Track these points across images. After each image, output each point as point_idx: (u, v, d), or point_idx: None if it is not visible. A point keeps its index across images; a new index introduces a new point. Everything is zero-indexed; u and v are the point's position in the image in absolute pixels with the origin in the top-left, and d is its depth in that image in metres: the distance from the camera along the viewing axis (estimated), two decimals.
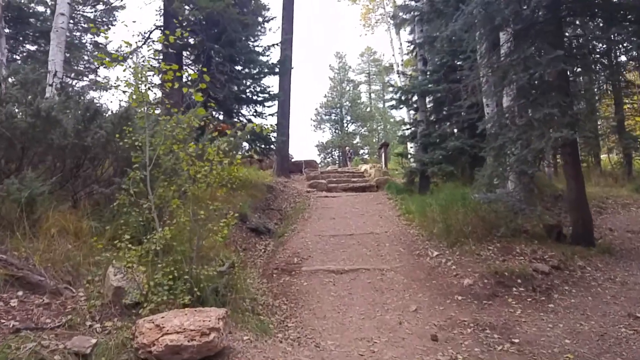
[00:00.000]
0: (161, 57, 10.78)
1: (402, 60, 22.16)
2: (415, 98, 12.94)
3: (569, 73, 6.94)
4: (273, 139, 12.29)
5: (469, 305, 4.97)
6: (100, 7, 13.74)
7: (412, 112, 21.82)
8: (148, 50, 12.01)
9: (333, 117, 43.33)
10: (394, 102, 13.15)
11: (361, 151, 41.12)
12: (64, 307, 3.48)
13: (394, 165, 22.90)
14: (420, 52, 12.67)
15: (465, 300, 5.07)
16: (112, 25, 14.22)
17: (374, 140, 42.38)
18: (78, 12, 12.86)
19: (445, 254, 6.31)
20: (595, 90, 11.88)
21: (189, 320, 3.09)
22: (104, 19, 13.59)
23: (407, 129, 17.85)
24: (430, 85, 11.82)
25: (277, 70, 12.24)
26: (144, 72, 4.40)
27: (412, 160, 20.16)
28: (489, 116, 8.39)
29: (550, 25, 6.73)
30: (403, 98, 12.65)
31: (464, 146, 10.96)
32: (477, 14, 7.47)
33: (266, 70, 12.09)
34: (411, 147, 20.70)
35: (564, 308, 4.83)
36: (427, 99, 12.68)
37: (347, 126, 43.13)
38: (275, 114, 13.55)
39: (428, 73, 12.33)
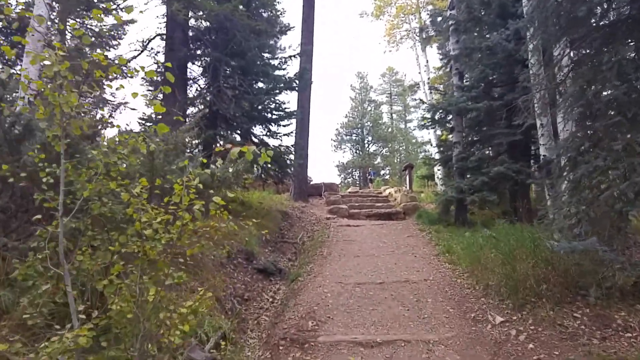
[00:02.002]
0: (162, 69, 9.48)
1: (428, 79, 20.57)
2: (449, 117, 11.30)
3: None
4: (289, 162, 10.77)
5: None
6: (109, 20, 12.71)
7: (438, 132, 20.15)
8: (148, 58, 10.82)
9: (354, 138, 41.85)
10: (425, 122, 11.46)
11: (382, 172, 39.38)
12: None
13: (417, 186, 21.10)
14: (455, 66, 11.06)
15: None
16: (121, 39, 13.16)
17: (396, 161, 40.68)
18: (85, 25, 11.77)
19: (514, 322, 4.55)
20: None
21: None
22: (113, 33, 12.50)
23: (438, 152, 16.22)
24: (468, 103, 10.15)
25: (294, 85, 10.82)
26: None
27: (441, 185, 18.44)
28: (563, 138, 6.63)
29: None
30: (437, 117, 10.98)
31: (508, 172, 9.19)
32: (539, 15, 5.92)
33: (282, 85, 10.66)
34: (438, 170, 18.95)
35: None
36: (464, 118, 11.00)
37: (368, 146, 41.57)
38: (292, 134, 12.04)
39: (465, 89, 10.67)
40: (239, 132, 10.82)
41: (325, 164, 66.00)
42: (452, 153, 11.15)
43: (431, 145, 22.38)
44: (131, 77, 11.39)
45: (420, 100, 15.99)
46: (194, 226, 3.09)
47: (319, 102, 65.05)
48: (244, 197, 11.18)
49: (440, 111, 10.75)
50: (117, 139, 2.81)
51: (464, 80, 10.99)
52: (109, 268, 2.71)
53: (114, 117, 13.57)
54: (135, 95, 3.06)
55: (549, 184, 7.62)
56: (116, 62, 3.10)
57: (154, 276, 2.85)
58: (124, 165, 2.93)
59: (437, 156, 18.89)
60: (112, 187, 2.80)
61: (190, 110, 10.99)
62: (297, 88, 11.35)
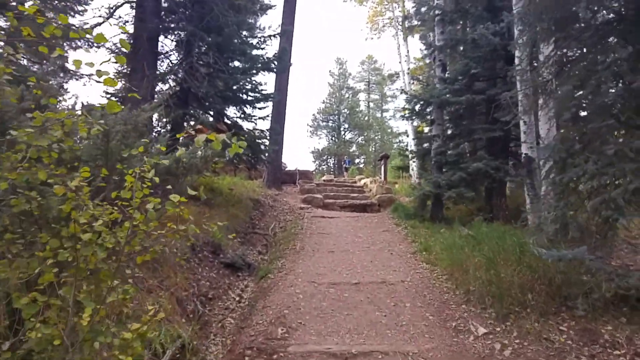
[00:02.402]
0: (131, 40, 8.67)
1: (408, 69, 20.24)
2: (429, 108, 10.99)
3: None
4: (264, 147, 10.21)
5: None
6: None
7: (416, 124, 19.93)
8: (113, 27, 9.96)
9: (330, 124, 41.42)
10: (405, 112, 11.11)
11: (357, 160, 39.19)
12: None
13: (391, 177, 20.91)
14: (439, 57, 10.70)
15: None
16: (88, 4, 12.08)
17: (371, 150, 40.56)
18: None
19: (498, 333, 4.27)
20: None
21: None
22: None
23: (415, 144, 16.04)
24: (450, 96, 9.83)
25: (273, 66, 10.20)
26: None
27: (417, 178, 18.27)
28: (554, 138, 6.37)
29: None
30: (417, 108, 10.64)
31: (487, 168, 8.98)
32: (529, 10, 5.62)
33: (259, 66, 10.02)
34: (414, 162, 18.76)
35: None
36: (444, 111, 10.71)
37: (344, 134, 41.25)
38: (268, 118, 11.41)
39: (447, 81, 10.34)
40: (211, 112, 10.15)
41: (300, 150, 65.21)
42: (430, 146, 10.89)
43: (407, 136, 22.20)
44: (97, 46, 10.48)
45: (402, 90, 15.65)
46: (147, 228, 2.59)
47: (297, 86, 64.06)
48: (213, 183, 10.58)
49: (421, 102, 10.41)
50: (47, 118, 2.24)
51: (447, 73, 10.67)
52: (36, 280, 2.19)
53: (66, 90, 12.47)
54: (91, 65, 2.50)
55: (529, 184, 7.44)
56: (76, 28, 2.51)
57: (93, 290, 2.34)
58: (57, 151, 2.36)
59: (413, 148, 18.78)
60: (42, 178, 2.25)
61: (161, 87, 10.24)
62: (275, 69, 10.73)
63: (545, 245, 4.77)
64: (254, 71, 10.14)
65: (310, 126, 41.30)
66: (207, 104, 9.76)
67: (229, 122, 9.80)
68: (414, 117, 11.49)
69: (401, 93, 14.52)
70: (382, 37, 23.37)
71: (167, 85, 10.23)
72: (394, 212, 11.22)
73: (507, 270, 4.79)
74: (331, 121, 41.45)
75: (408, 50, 20.58)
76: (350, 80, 43.28)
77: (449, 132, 10.83)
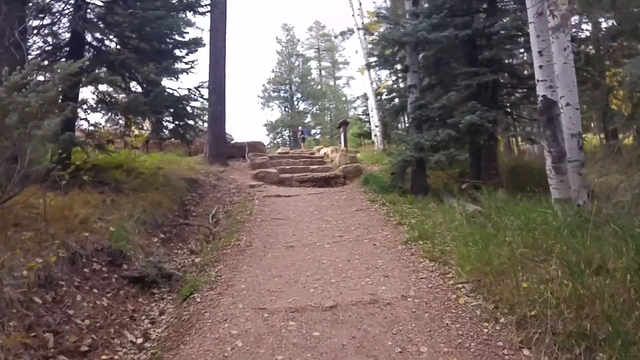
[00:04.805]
0: None
1: (362, 23, 17.76)
2: (399, 55, 8.69)
3: None
4: (194, 111, 7.50)
5: None
6: None
7: (375, 86, 17.72)
8: None
9: (282, 95, 38.49)
10: (374, 61, 8.74)
11: (313, 131, 36.72)
12: None
13: (352, 146, 18.71)
14: None
15: None
16: None
17: (327, 119, 38.22)
18: None
19: None
20: None
21: None
22: None
23: (376, 102, 13.90)
24: (425, 32, 7.51)
25: (202, 3, 7.39)
26: None
27: (379, 144, 16.16)
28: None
29: None
30: (388, 52, 8.28)
31: (483, 122, 6.91)
32: None
33: (184, 3, 7.21)
34: (377, 127, 16.65)
35: None
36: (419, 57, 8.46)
37: (297, 104, 38.52)
38: (195, 71, 8.46)
39: (421, 16, 8.02)
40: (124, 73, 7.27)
41: (252, 124, 61.21)
42: (403, 101, 8.67)
43: (366, 99, 19.99)
44: None
45: (365, 29, 13.10)
46: None
47: (242, 59, 59.64)
48: (133, 162, 7.86)
49: (392, 44, 8.03)
50: None
51: (418, 6, 8.34)
52: None
53: None
54: None
55: (550, 136, 5.41)
56: None
57: None
58: None
59: (375, 110, 16.60)
60: None
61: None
62: (210, 6, 7.80)
63: None
64: (175, 11, 7.28)
65: (261, 97, 38.24)
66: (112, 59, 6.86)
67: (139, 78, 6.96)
68: (382, 66, 9.16)
69: (368, 34, 12.02)
70: None
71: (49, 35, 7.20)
72: (364, 184, 9.01)
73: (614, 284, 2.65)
74: (283, 91, 38.57)
75: (360, 3, 18.06)
76: (299, 47, 40.25)
77: (426, 81, 8.62)
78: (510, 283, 3.14)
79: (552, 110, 5.35)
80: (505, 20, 6.75)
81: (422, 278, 3.91)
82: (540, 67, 5.41)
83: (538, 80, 5.46)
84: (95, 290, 3.87)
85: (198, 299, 3.93)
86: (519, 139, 14.26)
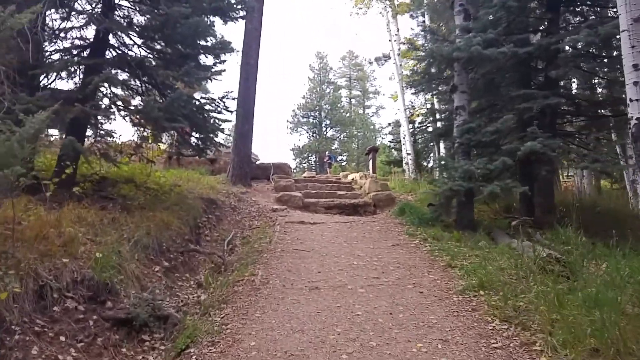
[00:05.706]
0: None
1: (399, 49, 17.06)
2: (444, 75, 7.76)
3: None
4: (217, 124, 6.70)
5: None
6: None
7: (408, 113, 16.82)
8: None
9: (311, 120, 38.12)
10: (416, 78, 7.84)
11: (339, 158, 35.94)
12: None
13: (380, 174, 17.70)
14: (459, 2, 7.51)
15: None
16: None
17: (354, 147, 37.43)
18: None
19: None
20: None
21: None
22: None
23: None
24: (479, 47, 6.56)
25: (239, 7, 6.63)
26: None
27: (411, 173, 15.10)
28: None
29: None
30: (433, 70, 7.36)
31: (545, 150, 5.81)
32: None
33: (214, 5, 6.52)
34: (408, 155, 15.66)
35: None
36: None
37: (325, 130, 37.98)
38: (220, 79, 7.57)
39: (472, 33, 7.10)
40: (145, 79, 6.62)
41: (279, 148, 60.87)
42: (447, 124, 7.67)
43: (395, 126, 19.13)
44: None
45: (412, 45, 12.27)
46: None
47: (273, 83, 60.28)
48: (141, 176, 7.06)
49: (439, 61, 7.11)
50: None
51: (471, 21, 7.45)
52: None
53: None
54: None
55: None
56: None
57: None
58: None
59: (406, 135, 15.63)
60: None
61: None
62: (245, 11, 6.93)
63: None
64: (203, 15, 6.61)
65: (290, 122, 37.96)
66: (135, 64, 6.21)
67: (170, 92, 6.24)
68: (426, 85, 8.21)
69: (411, 48, 11.19)
70: (369, 15, 19.88)
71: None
72: (399, 214, 7.92)
73: None
74: (312, 117, 38.18)
75: (398, 29, 17.44)
76: (331, 75, 40.17)
77: (474, 104, 7.62)
78: None
79: None
80: (578, 36, 5.73)
81: (495, 347, 2.81)
82: (636, 83, 4.35)
83: (631, 100, 4.38)
84: (62, 338, 2.96)
85: (194, 357, 2.95)
86: (566, 172, 12.96)
